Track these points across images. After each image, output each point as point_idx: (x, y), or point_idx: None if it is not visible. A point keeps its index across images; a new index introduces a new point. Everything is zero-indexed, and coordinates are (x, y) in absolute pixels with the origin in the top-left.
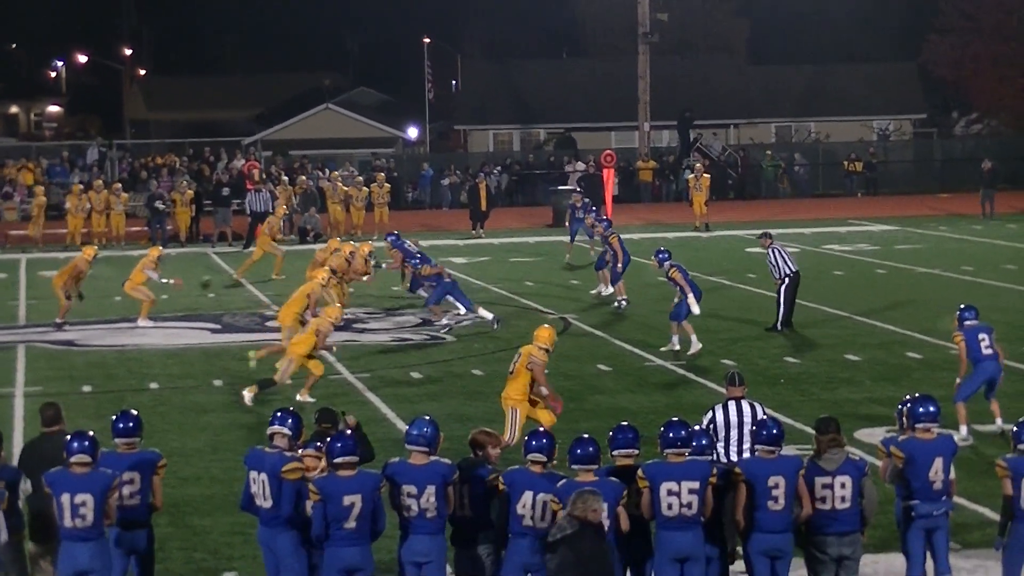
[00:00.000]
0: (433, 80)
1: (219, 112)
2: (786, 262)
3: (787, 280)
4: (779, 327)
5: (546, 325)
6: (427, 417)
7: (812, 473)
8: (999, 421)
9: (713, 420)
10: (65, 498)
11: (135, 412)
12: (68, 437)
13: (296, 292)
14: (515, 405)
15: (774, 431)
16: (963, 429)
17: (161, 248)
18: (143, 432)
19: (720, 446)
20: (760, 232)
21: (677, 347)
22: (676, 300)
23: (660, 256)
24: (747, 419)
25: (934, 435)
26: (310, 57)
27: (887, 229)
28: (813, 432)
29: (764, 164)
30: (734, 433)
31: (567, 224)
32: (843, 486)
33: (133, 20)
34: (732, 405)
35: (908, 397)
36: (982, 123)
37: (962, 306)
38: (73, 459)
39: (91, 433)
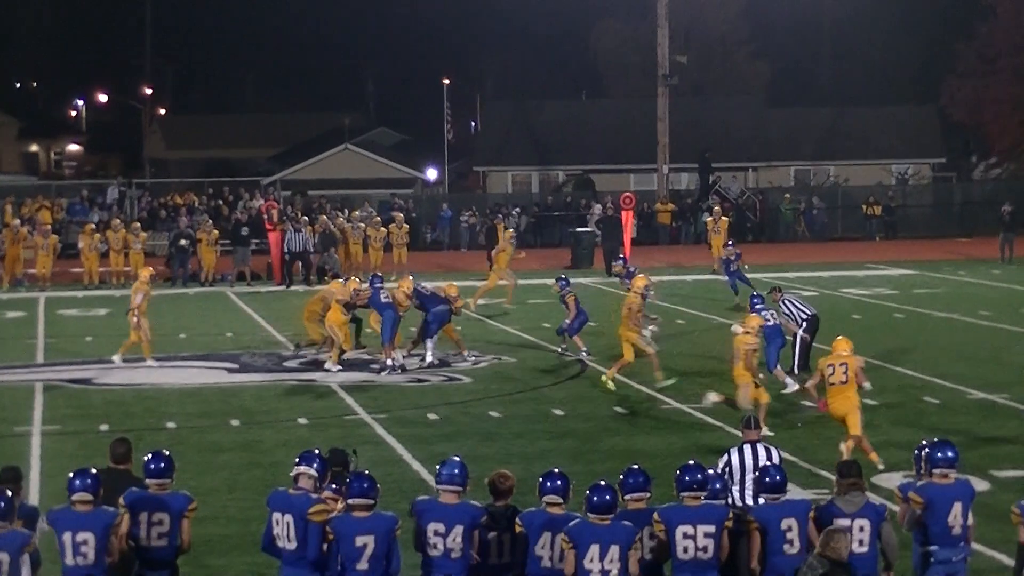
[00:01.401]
0: (452, 121)
1: (238, 151)
2: (800, 309)
3: (804, 325)
4: (795, 370)
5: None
6: (457, 458)
7: (831, 514)
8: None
9: (729, 463)
10: (67, 536)
11: (167, 452)
12: (71, 475)
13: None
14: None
15: (777, 478)
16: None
17: (152, 270)
18: (175, 473)
19: (735, 489)
20: (771, 288)
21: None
22: (567, 320)
23: (561, 283)
24: (762, 463)
25: (952, 480)
26: (329, 96)
27: (905, 273)
28: (832, 476)
29: (783, 207)
30: (749, 477)
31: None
32: (861, 529)
33: (153, 59)
34: (748, 448)
35: (925, 442)
36: (1001, 167)
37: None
38: (75, 497)
39: (94, 471)
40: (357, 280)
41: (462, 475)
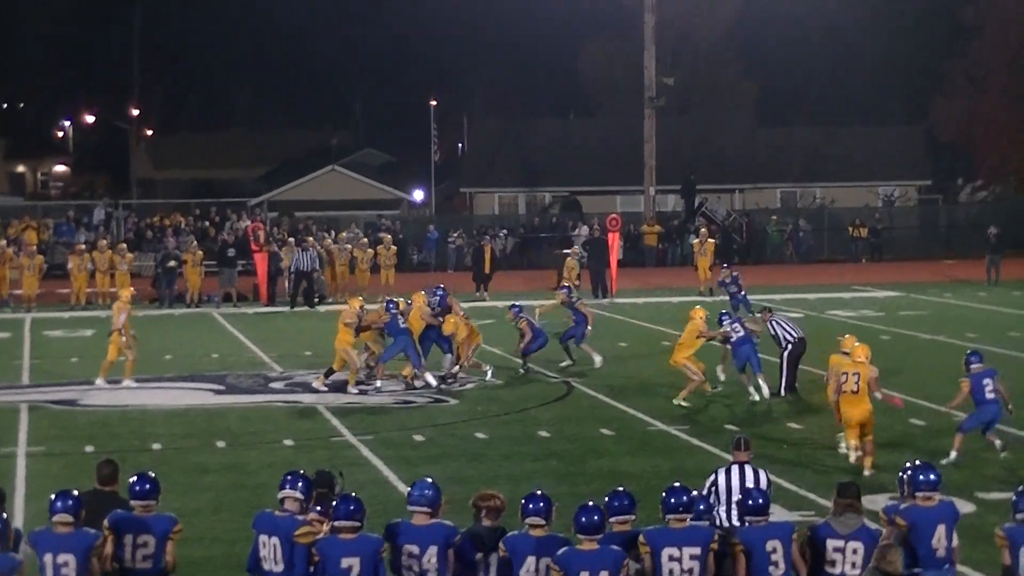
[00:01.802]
0: (439, 142)
1: (225, 171)
2: (788, 331)
3: (790, 347)
4: (782, 392)
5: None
6: (429, 479)
7: (824, 534)
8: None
9: (715, 483)
10: (48, 558)
11: (152, 474)
12: (52, 496)
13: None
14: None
15: (759, 500)
16: (952, 454)
17: (132, 290)
18: (160, 495)
19: (722, 510)
20: (762, 308)
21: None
22: (523, 341)
23: (514, 310)
24: (749, 484)
25: (936, 502)
26: (317, 116)
27: (891, 295)
28: (817, 498)
29: (769, 229)
30: (735, 498)
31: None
32: (855, 552)
33: (141, 78)
34: (735, 469)
35: (909, 464)
36: (987, 189)
37: (969, 351)
38: (55, 518)
39: (75, 492)
40: (361, 299)
41: (433, 496)
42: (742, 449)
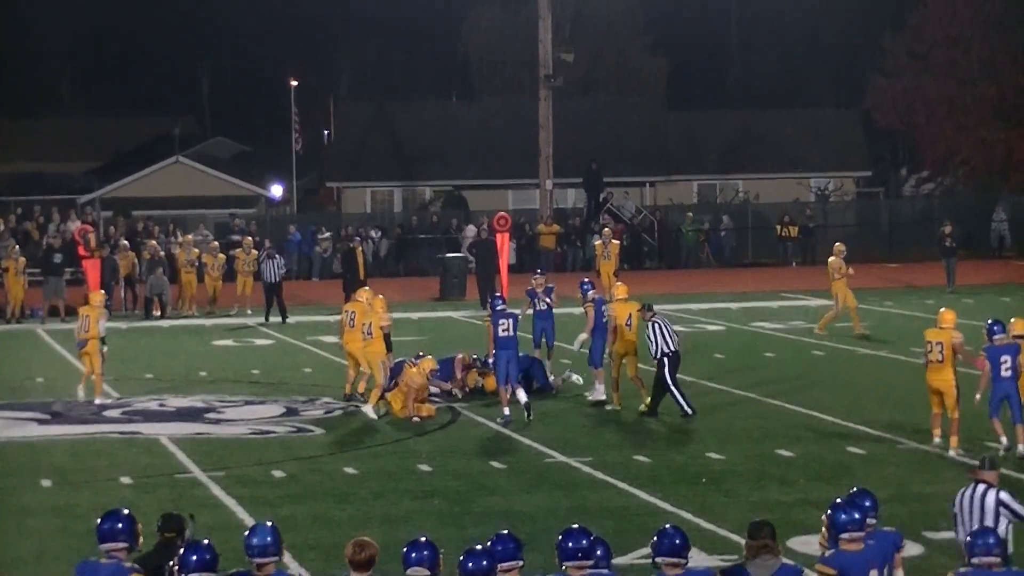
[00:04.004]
0: (301, 129)
1: (50, 164)
2: (666, 340)
3: (665, 361)
4: (690, 411)
5: None
6: (268, 523)
7: None
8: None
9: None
10: None
11: None
12: None
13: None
14: None
15: (676, 540)
16: (1003, 440)
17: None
18: None
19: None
20: (641, 304)
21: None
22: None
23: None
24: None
25: (861, 546)
26: (157, 100)
27: (826, 303)
28: (742, 539)
29: (684, 228)
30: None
31: None
32: None
33: None
34: (980, 488)
35: (832, 502)
36: (934, 181)
37: (990, 320)
38: None
39: None
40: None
41: (275, 543)
42: (987, 469)
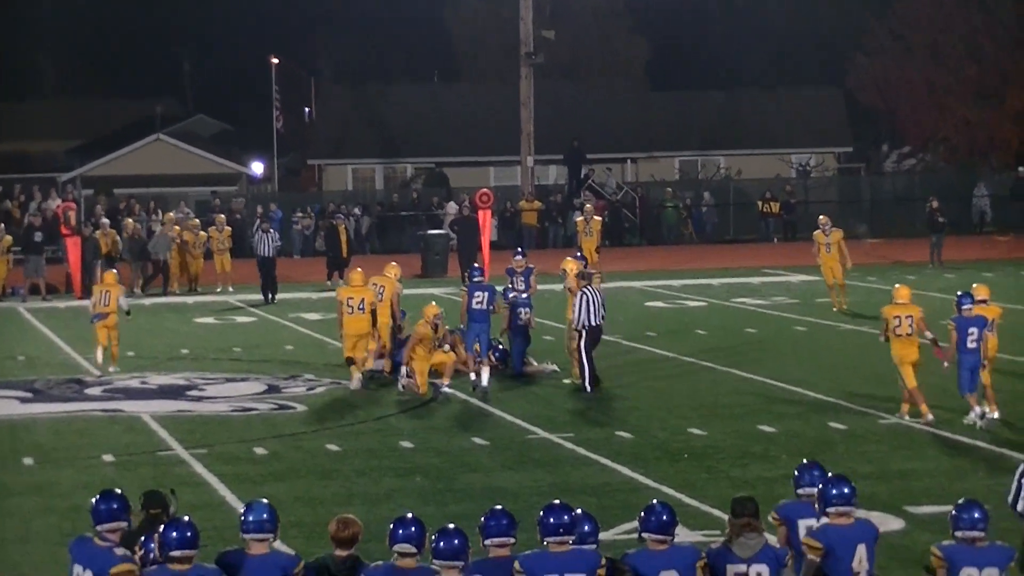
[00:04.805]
0: (282, 107)
1: (31, 143)
2: (590, 313)
3: (583, 332)
4: (587, 387)
5: None
6: (264, 501)
7: (723, 560)
8: (977, 410)
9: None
10: None
11: None
12: None
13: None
14: None
15: (663, 517)
16: (976, 409)
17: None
18: None
19: None
20: (582, 271)
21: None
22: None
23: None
24: None
25: (852, 520)
26: (139, 80)
27: (807, 280)
28: (725, 514)
29: (666, 203)
30: None
31: None
32: None
33: None
34: None
35: (820, 475)
36: (916, 158)
37: (960, 293)
38: None
39: None
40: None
41: (271, 520)
42: None
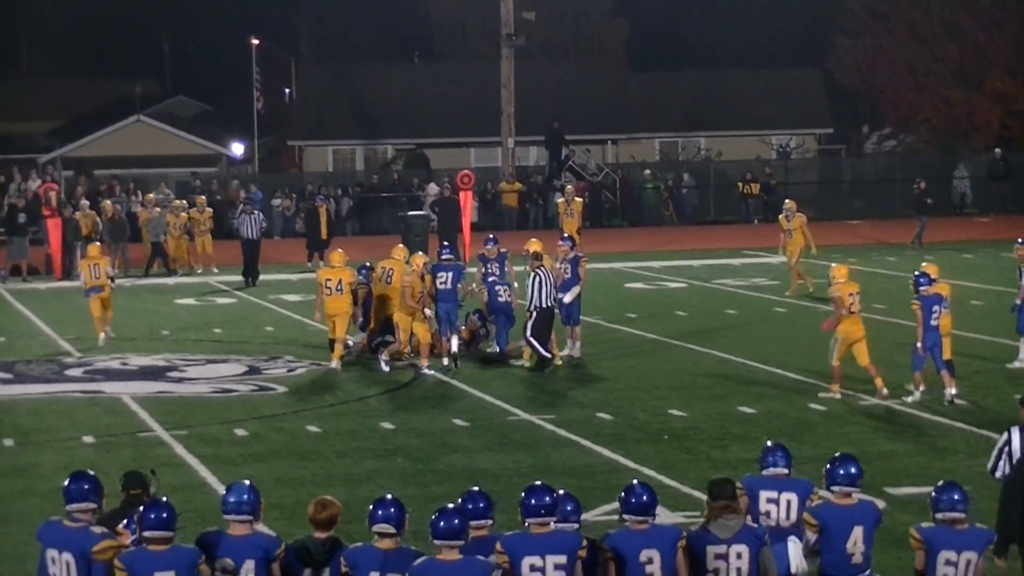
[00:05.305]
0: (262, 88)
1: (10, 124)
2: (542, 295)
3: (535, 314)
4: (543, 370)
5: None
6: (247, 482)
7: (703, 541)
8: (923, 388)
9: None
10: None
11: None
12: None
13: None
14: None
15: (644, 498)
16: (916, 392)
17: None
18: None
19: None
20: (533, 252)
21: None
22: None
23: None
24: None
25: (854, 501)
26: (118, 60)
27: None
28: (700, 495)
29: (646, 184)
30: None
31: None
32: (739, 556)
33: None
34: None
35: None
36: (896, 139)
37: (917, 272)
38: None
39: None
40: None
41: (252, 502)
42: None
